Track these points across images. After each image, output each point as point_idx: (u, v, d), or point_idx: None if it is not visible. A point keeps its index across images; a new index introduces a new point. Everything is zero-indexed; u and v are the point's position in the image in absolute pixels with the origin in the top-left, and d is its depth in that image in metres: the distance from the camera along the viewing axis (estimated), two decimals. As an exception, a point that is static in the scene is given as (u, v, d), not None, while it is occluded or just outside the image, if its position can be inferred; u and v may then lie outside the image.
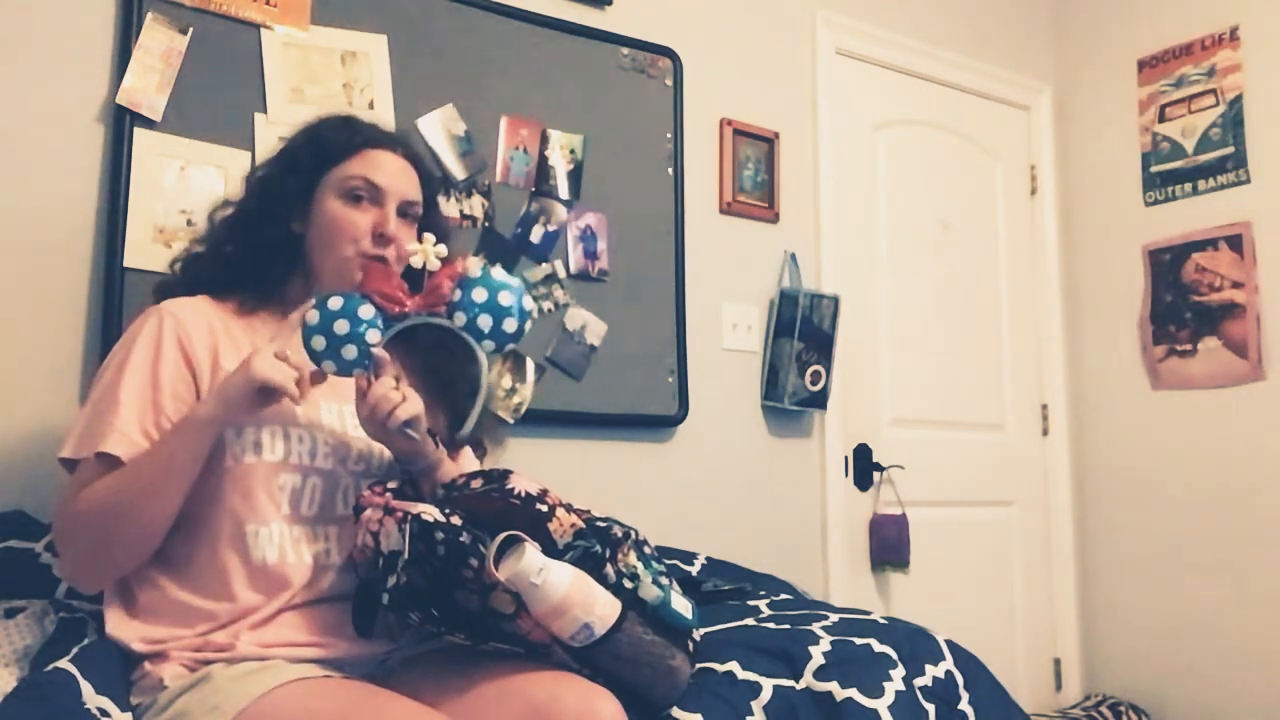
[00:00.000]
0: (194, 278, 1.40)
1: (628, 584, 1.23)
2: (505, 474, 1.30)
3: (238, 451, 1.25)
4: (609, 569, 1.24)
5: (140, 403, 1.24)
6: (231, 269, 1.37)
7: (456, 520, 1.19)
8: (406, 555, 1.16)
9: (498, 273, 1.31)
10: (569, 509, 1.29)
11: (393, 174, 1.38)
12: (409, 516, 1.17)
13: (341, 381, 1.37)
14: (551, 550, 1.23)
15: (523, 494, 1.26)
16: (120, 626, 1.24)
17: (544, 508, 1.26)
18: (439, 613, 1.18)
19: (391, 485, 1.28)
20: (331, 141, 1.38)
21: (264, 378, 1.17)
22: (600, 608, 1.19)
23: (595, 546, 1.24)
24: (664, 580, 1.28)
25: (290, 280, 1.39)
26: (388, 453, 1.35)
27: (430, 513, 1.18)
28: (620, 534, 1.28)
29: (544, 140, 2.28)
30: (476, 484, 1.30)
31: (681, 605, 1.28)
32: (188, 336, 1.29)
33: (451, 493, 1.30)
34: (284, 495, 1.27)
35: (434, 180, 1.49)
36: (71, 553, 1.23)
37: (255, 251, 1.37)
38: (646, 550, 1.31)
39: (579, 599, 1.17)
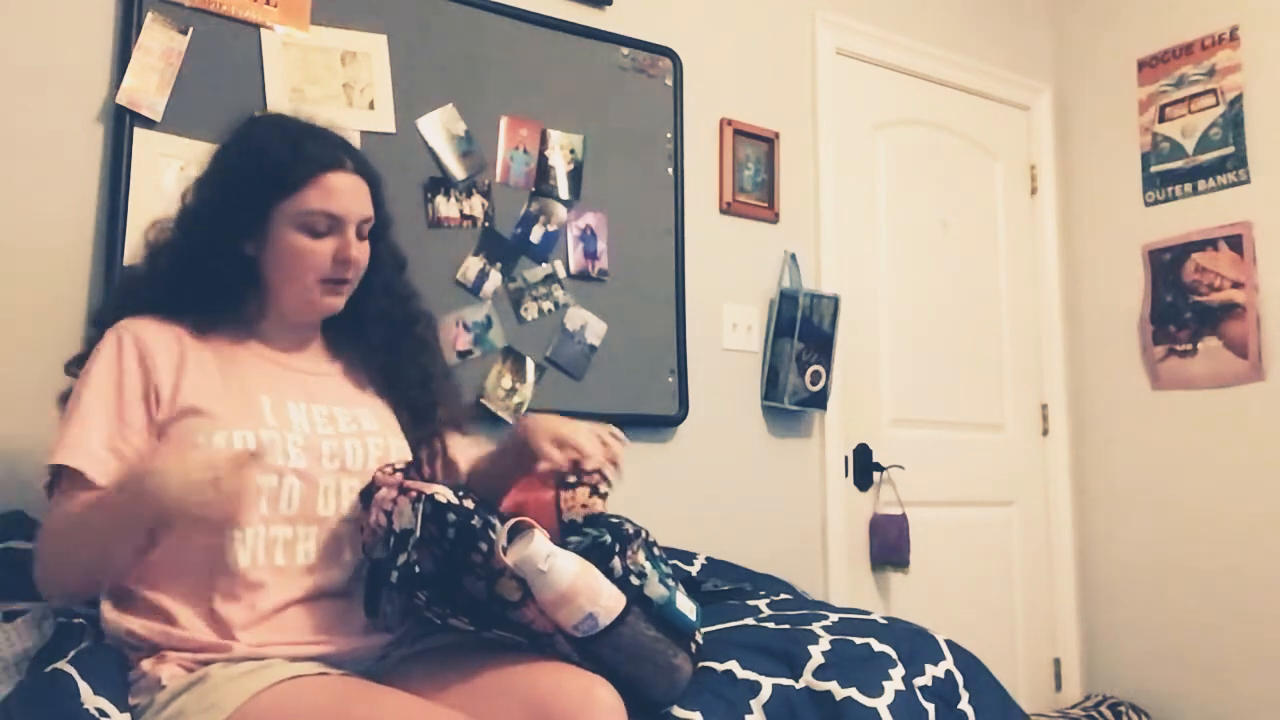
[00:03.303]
0: (139, 301, 1.35)
1: (634, 580, 1.24)
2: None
3: None
4: (616, 563, 1.24)
5: (106, 418, 1.25)
6: (180, 294, 1.34)
7: (469, 503, 1.20)
8: (418, 534, 1.16)
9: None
10: (594, 491, 1.29)
11: (349, 198, 1.35)
12: (422, 496, 1.18)
13: (306, 380, 1.39)
14: (557, 523, 1.26)
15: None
16: (115, 619, 1.25)
17: (572, 476, 1.30)
18: (445, 596, 1.18)
19: (400, 466, 1.28)
20: (283, 171, 1.33)
21: (190, 514, 1.12)
22: (605, 599, 1.20)
23: (604, 537, 1.25)
24: (670, 582, 1.28)
25: (246, 300, 1.38)
26: (358, 451, 1.35)
27: (444, 494, 1.19)
28: (632, 531, 1.29)
29: (544, 140, 2.28)
30: None
31: (686, 606, 1.29)
32: (149, 353, 1.29)
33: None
34: (261, 497, 1.26)
35: (380, 182, 1.43)
36: (39, 564, 1.24)
37: (208, 279, 1.34)
38: (655, 551, 1.32)
39: (584, 589, 1.18)
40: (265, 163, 1.33)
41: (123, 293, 1.41)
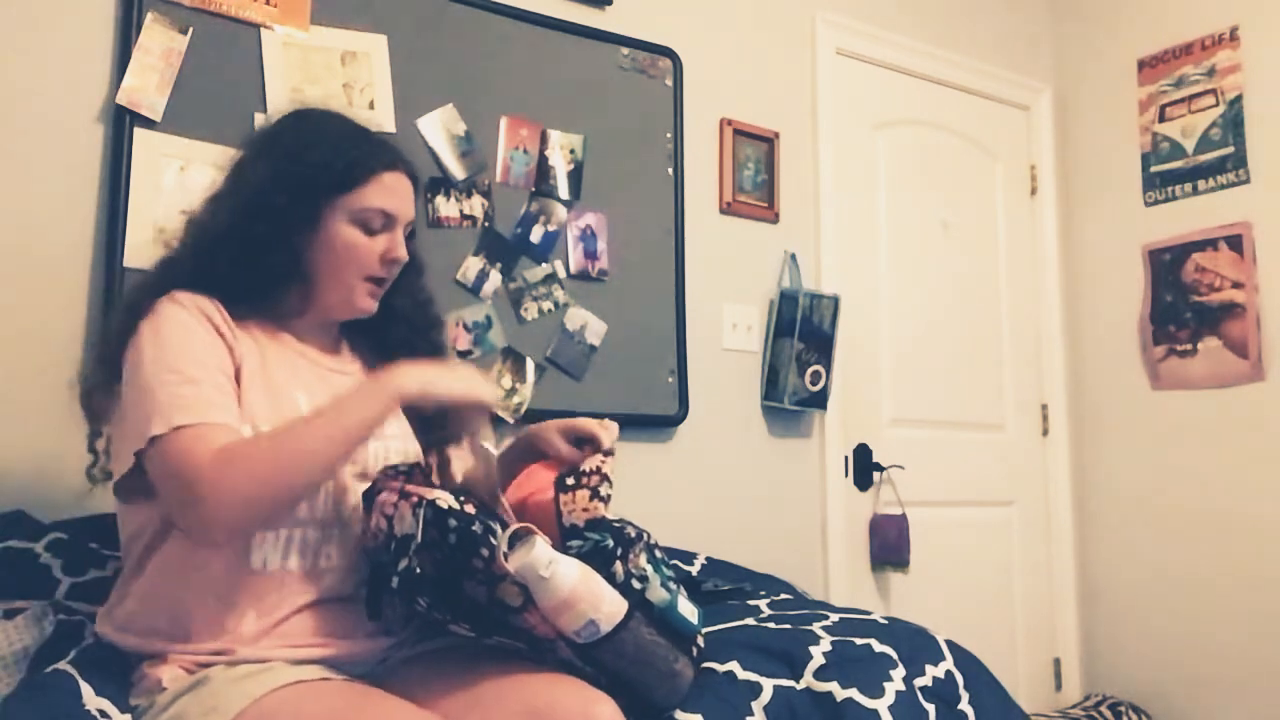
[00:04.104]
0: (182, 283, 1.30)
1: (636, 584, 1.24)
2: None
3: None
4: (618, 567, 1.24)
5: (206, 371, 1.21)
6: (229, 280, 1.31)
7: (470, 509, 1.19)
8: (419, 539, 1.16)
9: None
10: (594, 494, 1.29)
11: (403, 199, 1.38)
12: (424, 501, 1.18)
13: (333, 379, 1.38)
14: (558, 527, 1.26)
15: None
16: (111, 633, 1.24)
17: (570, 479, 1.30)
18: (446, 601, 1.18)
19: (403, 469, 1.28)
20: (346, 166, 1.32)
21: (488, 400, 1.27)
22: (607, 605, 1.19)
23: (606, 541, 1.25)
24: (672, 585, 1.28)
25: (287, 291, 1.36)
26: (379, 455, 1.35)
27: (445, 499, 1.19)
28: (633, 534, 1.29)
29: (544, 140, 2.28)
30: None
31: (688, 610, 1.28)
32: (216, 324, 1.26)
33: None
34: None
35: (420, 187, 1.49)
36: (226, 495, 1.13)
37: (259, 268, 1.31)
38: (657, 554, 1.31)
39: (586, 594, 1.18)
40: (326, 156, 1.32)
41: (164, 272, 1.34)
